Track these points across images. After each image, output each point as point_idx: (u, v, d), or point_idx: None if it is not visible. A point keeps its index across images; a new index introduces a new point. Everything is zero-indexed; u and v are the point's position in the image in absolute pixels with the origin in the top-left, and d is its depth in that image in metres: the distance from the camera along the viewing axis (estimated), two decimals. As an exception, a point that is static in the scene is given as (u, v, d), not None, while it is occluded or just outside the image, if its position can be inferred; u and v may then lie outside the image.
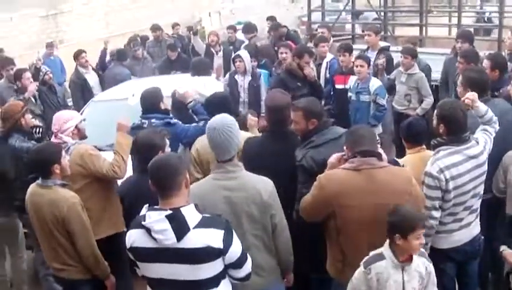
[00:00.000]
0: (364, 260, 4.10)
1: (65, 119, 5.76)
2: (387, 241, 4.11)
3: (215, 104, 5.91)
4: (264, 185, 4.31)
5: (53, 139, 5.75)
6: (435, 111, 5.12)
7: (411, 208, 4.12)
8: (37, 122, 6.67)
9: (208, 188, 4.32)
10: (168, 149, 5.14)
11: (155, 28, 15.00)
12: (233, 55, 9.99)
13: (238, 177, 4.31)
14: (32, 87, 9.41)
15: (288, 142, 5.20)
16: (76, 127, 5.77)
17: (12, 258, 6.86)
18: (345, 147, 4.47)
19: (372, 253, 4.12)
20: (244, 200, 4.22)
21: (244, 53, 9.68)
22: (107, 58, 13.38)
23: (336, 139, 4.98)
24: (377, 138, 4.90)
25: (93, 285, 5.18)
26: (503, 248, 4.81)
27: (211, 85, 7.46)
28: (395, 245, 4.05)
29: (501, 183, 5.50)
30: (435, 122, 5.03)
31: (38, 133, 6.59)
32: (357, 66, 8.48)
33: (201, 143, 5.64)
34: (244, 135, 5.13)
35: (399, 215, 4.04)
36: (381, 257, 4.08)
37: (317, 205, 4.40)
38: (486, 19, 17.50)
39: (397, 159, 5.19)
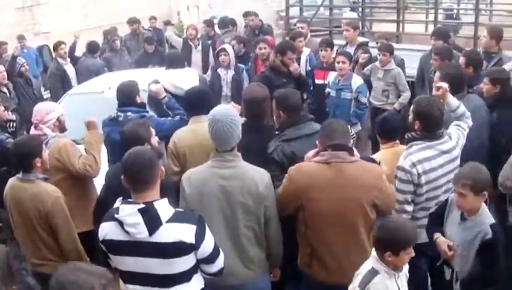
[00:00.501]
0: (359, 282, 3.91)
1: (47, 110, 5.76)
2: (375, 253, 3.96)
3: (195, 98, 5.90)
4: (261, 176, 4.32)
5: (33, 131, 5.72)
6: (411, 107, 5.16)
7: (401, 222, 3.98)
8: (11, 116, 6.60)
9: (204, 175, 4.33)
10: (155, 139, 5.12)
11: (132, 21, 14.95)
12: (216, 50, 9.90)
13: (235, 167, 4.31)
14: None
15: (264, 135, 5.25)
16: (57, 119, 5.77)
17: None
18: (317, 141, 4.50)
19: (363, 271, 3.96)
20: (239, 190, 4.23)
21: (228, 47, 9.71)
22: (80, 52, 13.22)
23: (310, 135, 5.02)
24: (352, 133, 4.92)
25: None
26: (436, 235, 4.79)
27: (186, 77, 7.42)
28: (385, 261, 3.88)
29: (508, 181, 5.53)
30: (410, 117, 5.08)
31: (12, 127, 6.56)
32: (338, 62, 8.43)
33: (179, 136, 5.67)
34: None
35: (389, 232, 3.85)
36: (374, 272, 3.89)
37: (287, 197, 4.42)
38: (454, 16, 17.62)
39: (372, 156, 5.23)
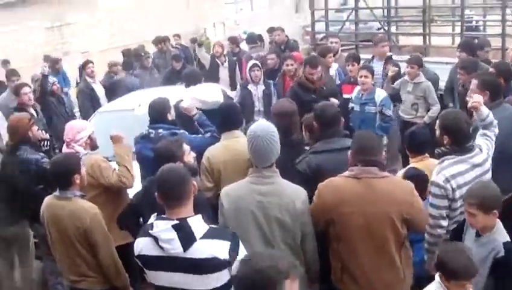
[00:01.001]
0: None
1: (78, 129, 5.86)
2: (438, 275, 4.00)
3: (227, 114, 5.96)
4: (298, 194, 4.33)
5: (65, 149, 5.81)
6: (437, 122, 5.14)
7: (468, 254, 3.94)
8: (45, 134, 6.69)
9: (243, 191, 4.36)
10: (191, 156, 5.15)
11: (157, 41, 15.07)
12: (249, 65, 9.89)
13: (273, 183, 4.33)
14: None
15: (292, 149, 5.26)
16: (89, 137, 5.86)
17: (21, 268, 6.89)
18: (349, 153, 4.50)
19: None
20: (277, 207, 4.25)
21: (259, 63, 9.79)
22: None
23: (340, 150, 5.00)
24: (383, 147, 4.90)
25: None
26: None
27: (208, 91, 7.53)
28: (447, 285, 3.92)
29: None
30: (438, 132, 5.05)
31: (46, 145, 6.62)
32: (361, 77, 8.44)
33: (212, 152, 5.72)
34: None
35: (460, 263, 3.88)
36: None
37: (317, 213, 4.42)
38: (474, 28, 17.55)
39: (416, 167, 5.21)
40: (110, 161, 5.97)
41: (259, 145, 4.30)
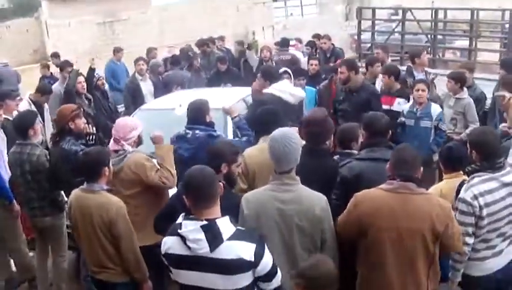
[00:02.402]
0: None
1: (130, 127, 5.86)
2: None
3: (265, 118, 6.01)
4: (318, 200, 4.36)
5: (112, 145, 5.84)
6: (468, 138, 5.14)
7: None
8: (91, 129, 6.78)
9: (263, 198, 4.40)
10: (238, 169, 5.07)
11: (200, 44, 15.16)
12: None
13: (293, 191, 4.36)
14: None
15: (321, 160, 5.28)
16: (138, 135, 5.90)
17: (54, 257, 7.02)
18: (387, 165, 4.50)
19: None
20: (296, 214, 4.28)
21: (289, 70, 9.65)
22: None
23: (382, 160, 4.95)
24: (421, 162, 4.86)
25: (130, 288, 5.28)
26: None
27: (293, 87, 7.84)
28: None
29: None
30: (469, 149, 5.05)
31: (92, 140, 6.71)
32: (417, 90, 8.26)
33: (248, 154, 5.75)
34: None
35: None
36: None
37: (351, 222, 4.42)
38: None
39: (435, 186, 5.20)
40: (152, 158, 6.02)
41: (277, 149, 4.35)
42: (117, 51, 15.18)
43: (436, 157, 7.85)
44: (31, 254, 8.15)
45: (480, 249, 4.92)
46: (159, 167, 5.76)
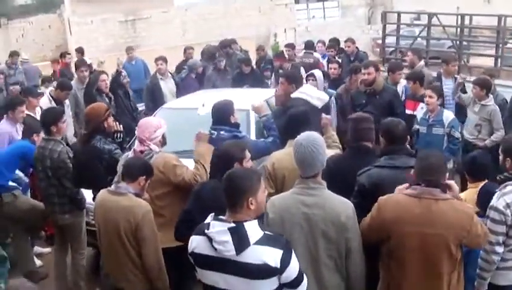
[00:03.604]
0: None
1: (155, 127, 5.82)
2: None
3: (295, 121, 5.97)
4: (344, 207, 4.29)
5: (138, 146, 5.81)
6: (501, 146, 5.06)
7: None
8: (119, 126, 6.72)
9: (288, 202, 4.35)
10: (249, 163, 5.08)
11: (224, 45, 15.16)
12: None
13: (319, 195, 4.30)
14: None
15: (366, 159, 5.23)
16: (162, 135, 5.88)
17: (73, 254, 7.03)
18: (412, 171, 4.45)
19: None
20: (322, 219, 4.22)
21: (318, 73, 9.46)
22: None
23: (402, 168, 4.92)
24: (447, 168, 4.80)
25: None
26: None
27: (316, 90, 7.83)
28: None
29: None
30: (501, 157, 4.98)
31: (119, 137, 6.68)
32: (426, 97, 8.28)
33: (278, 158, 5.71)
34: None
35: None
36: None
37: (373, 227, 4.37)
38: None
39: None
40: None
41: (301, 153, 4.30)
42: (128, 50, 15.05)
43: (450, 164, 7.81)
44: (49, 249, 8.20)
45: (509, 259, 4.87)
46: (187, 167, 5.73)
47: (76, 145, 7.49)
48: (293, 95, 7.76)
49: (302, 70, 11.47)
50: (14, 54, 15.93)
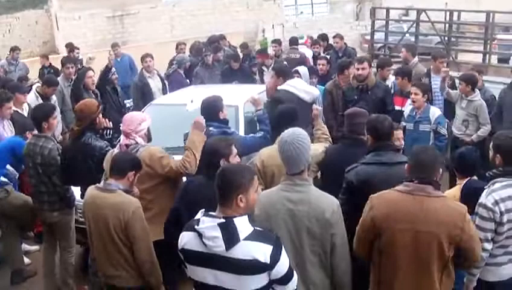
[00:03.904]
0: None
1: (140, 120, 5.84)
2: None
3: (284, 117, 5.97)
4: (329, 203, 4.29)
5: (124, 140, 5.82)
6: (491, 142, 5.04)
7: None
8: (108, 123, 6.66)
9: (274, 198, 4.34)
10: (236, 158, 5.09)
11: (212, 41, 15.12)
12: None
13: (305, 192, 4.29)
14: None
15: (361, 150, 5.34)
16: (147, 129, 5.88)
17: (61, 252, 6.99)
18: (405, 166, 4.43)
19: None
20: (306, 215, 4.21)
21: (303, 69, 9.48)
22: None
23: (389, 164, 4.98)
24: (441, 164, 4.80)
25: None
26: None
27: (308, 85, 7.83)
28: None
29: None
30: (491, 153, 4.96)
31: (108, 134, 6.63)
32: (411, 94, 8.34)
33: (267, 155, 5.70)
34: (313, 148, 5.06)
35: None
36: None
37: (366, 224, 4.33)
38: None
39: (448, 191, 5.14)
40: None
41: (286, 151, 4.29)
42: (113, 47, 14.87)
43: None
44: (37, 247, 8.15)
45: (497, 255, 4.86)
46: (173, 157, 5.74)
47: (64, 142, 7.45)
48: (280, 87, 7.78)
49: None
50: (15, 49, 15.82)
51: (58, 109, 9.80)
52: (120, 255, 5.00)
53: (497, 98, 9.41)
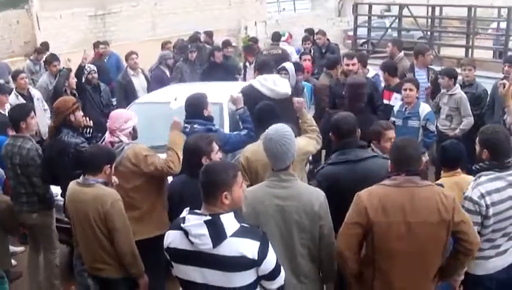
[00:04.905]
0: None
1: (125, 118, 5.85)
2: None
3: (265, 113, 5.97)
4: (316, 196, 4.33)
5: (108, 137, 5.83)
6: (478, 136, 5.04)
7: None
8: (88, 122, 6.63)
9: (260, 195, 4.36)
10: (217, 155, 5.12)
11: (194, 39, 15.08)
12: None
13: (291, 187, 4.32)
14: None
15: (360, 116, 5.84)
16: (133, 127, 5.87)
17: (45, 254, 6.96)
18: (389, 162, 4.43)
19: None
20: (295, 210, 4.24)
21: (289, 65, 9.34)
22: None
23: (355, 162, 5.03)
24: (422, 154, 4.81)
25: (128, 284, 5.24)
26: None
27: (279, 82, 7.72)
28: None
29: None
30: (477, 148, 4.96)
31: (88, 133, 6.59)
32: (405, 90, 8.27)
33: (252, 151, 5.70)
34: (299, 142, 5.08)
35: None
36: None
37: (355, 220, 4.27)
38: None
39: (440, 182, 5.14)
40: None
41: (272, 147, 4.31)
42: (101, 45, 14.77)
43: (424, 157, 7.82)
44: (22, 248, 8.09)
45: (484, 249, 4.84)
46: (158, 156, 5.74)
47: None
48: (249, 81, 7.74)
49: None
50: (40, 51, 15.57)
51: (41, 106, 9.74)
52: (101, 247, 5.07)
53: (489, 93, 9.41)
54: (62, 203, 6.45)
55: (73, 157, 6.13)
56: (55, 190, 6.83)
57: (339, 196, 4.48)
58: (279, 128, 4.42)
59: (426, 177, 4.32)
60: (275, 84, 7.47)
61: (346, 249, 4.31)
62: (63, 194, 6.55)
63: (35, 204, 6.64)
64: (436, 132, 8.42)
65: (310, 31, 14.83)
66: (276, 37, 14.17)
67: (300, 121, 6.13)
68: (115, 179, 5.36)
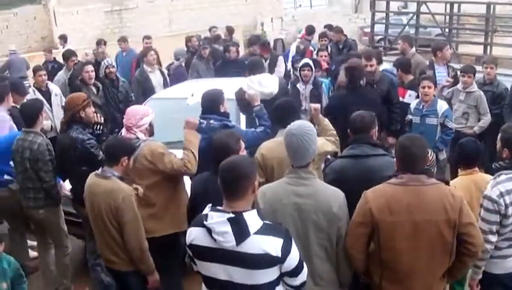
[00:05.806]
0: None
1: (141, 114, 5.83)
2: None
3: (283, 110, 5.91)
4: (335, 196, 4.28)
5: (125, 133, 5.83)
6: (499, 135, 5.01)
7: None
8: (99, 118, 6.66)
9: (280, 192, 4.33)
10: (244, 152, 5.07)
11: (216, 38, 15.08)
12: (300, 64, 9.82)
13: (310, 185, 4.28)
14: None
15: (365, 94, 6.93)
16: (149, 123, 5.85)
17: (55, 250, 7.01)
18: (394, 160, 4.41)
19: None
20: (313, 209, 4.21)
21: (311, 62, 9.60)
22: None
23: (360, 157, 5.01)
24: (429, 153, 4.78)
25: (140, 278, 5.27)
26: None
27: (266, 82, 7.57)
28: None
29: None
30: (498, 145, 4.94)
31: (99, 130, 6.61)
32: (424, 87, 8.24)
33: (268, 147, 5.68)
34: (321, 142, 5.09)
35: None
36: None
37: (362, 220, 4.27)
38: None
39: (451, 182, 5.10)
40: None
41: (293, 143, 4.28)
42: (122, 41, 14.85)
43: (442, 155, 7.82)
44: (34, 243, 8.14)
45: (503, 248, 4.87)
46: (175, 154, 5.71)
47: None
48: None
49: (281, 59, 11.55)
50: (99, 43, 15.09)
51: (58, 102, 9.77)
52: (112, 240, 5.13)
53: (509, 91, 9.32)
54: (72, 198, 6.62)
55: (79, 153, 6.21)
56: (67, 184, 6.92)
57: (344, 188, 4.43)
58: (302, 125, 4.41)
59: (432, 175, 4.25)
60: (260, 85, 7.41)
61: (353, 247, 4.31)
62: (72, 190, 6.64)
63: (41, 200, 6.66)
64: (453, 129, 8.35)
65: (329, 27, 14.77)
66: (311, 31, 14.44)
67: (317, 126, 6.10)
68: (141, 190, 5.38)
